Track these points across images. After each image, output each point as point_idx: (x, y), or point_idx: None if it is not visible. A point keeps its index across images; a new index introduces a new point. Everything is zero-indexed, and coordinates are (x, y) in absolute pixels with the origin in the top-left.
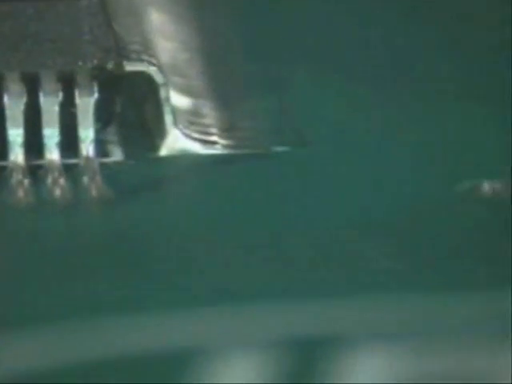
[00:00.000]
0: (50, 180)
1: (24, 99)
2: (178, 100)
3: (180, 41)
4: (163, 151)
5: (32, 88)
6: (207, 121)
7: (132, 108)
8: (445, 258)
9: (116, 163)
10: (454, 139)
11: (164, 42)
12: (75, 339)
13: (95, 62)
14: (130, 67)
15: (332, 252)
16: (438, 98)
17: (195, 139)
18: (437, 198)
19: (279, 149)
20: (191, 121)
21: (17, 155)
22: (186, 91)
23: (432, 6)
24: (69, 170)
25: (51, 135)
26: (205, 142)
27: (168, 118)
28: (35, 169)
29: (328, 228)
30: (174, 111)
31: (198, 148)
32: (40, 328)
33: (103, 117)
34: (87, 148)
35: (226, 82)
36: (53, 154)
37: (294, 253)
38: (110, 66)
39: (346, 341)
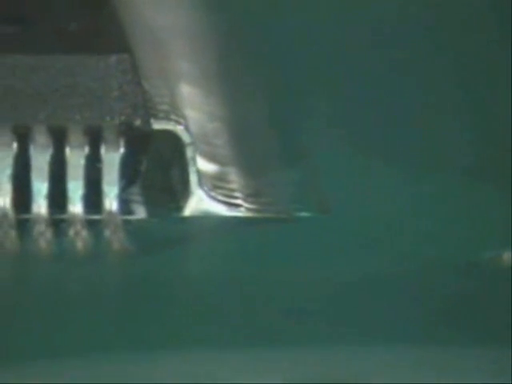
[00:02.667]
0: (72, 232)
1: (50, 151)
2: (205, 165)
3: (208, 112)
4: (187, 211)
5: (59, 141)
6: (232, 186)
7: (157, 166)
8: (460, 317)
9: (139, 221)
10: (470, 210)
11: (193, 113)
12: (95, 374)
13: (123, 118)
14: (157, 125)
15: (348, 310)
16: (456, 174)
17: (219, 201)
18: (452, 266)
19: (302, 214)
20: (216, 185)
21: (40, 207)
22: (212, 158)
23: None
24: (91, 224)
25: (75, 188)
26: (229, 205)
27: (193, 178)
28: (58, 221)
29: (345, 291)
30: (200, 173)
31: (221, 210)
32: (64, 363)
33: (128, 174)
34: (111, 203)
35: (251, 152)
36: (76, 207)
37: (309, 310)
38: (137, 123)
39: None
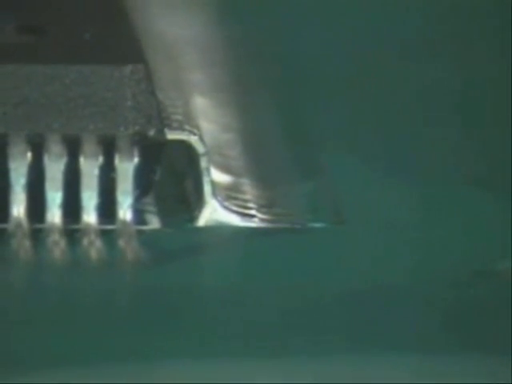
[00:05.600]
0: (86, 242)
1: (64, 161)
2: (219, 176)
3: (222, 123)
4: (201, 221)
5: (73, 150)
6: (246, 197)
7: (171, 176)
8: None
9: (153, 231)
10: (481, 221)
11: (207, 124)
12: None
13: (136, 128)
14: (171, 135)
15: (361, 320)
16: (468, 185)
17: (233, 211)
18: (462, 275)
19: (316, 225)
20: (230, 195)
21: (54, 216)
22: (226, 170)
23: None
24: (105, 234)
25: (89, 198)
26: (243, 215)
27: (207, 189)
28: (72, 231)
29: (358, 301)
30: (214, 183)
31: (235, 220)
32: (77, 372)
33: (142, 184)
34: (125, 213)
35: (265, 163)
36: (90, 217)
37: (323, 320)
38: (151, 133)
39: None
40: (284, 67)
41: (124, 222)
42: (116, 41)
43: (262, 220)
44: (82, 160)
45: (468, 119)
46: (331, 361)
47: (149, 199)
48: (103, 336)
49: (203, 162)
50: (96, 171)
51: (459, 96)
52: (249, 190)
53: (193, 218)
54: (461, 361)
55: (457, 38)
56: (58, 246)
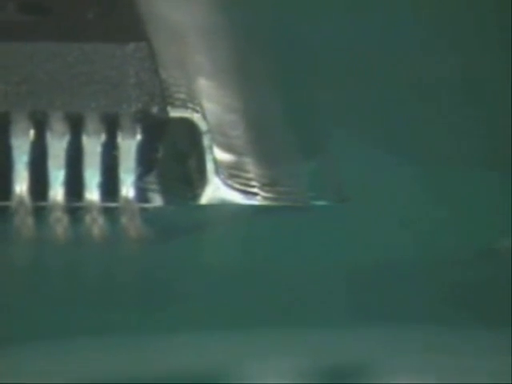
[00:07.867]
0: (88, 219)
1: (67, 138)
2: (221, 155)
3: (225, 104)
4: (203, 199)
5: (75, 128)
6: (249, 175)
7: (174, 154)
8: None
9: (156, 208)
10: (486, 198)
11: (209, 104)
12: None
13: (139, 105)
14: (174, 113)
15: (364, 297)
16: (473, 162)
17: (236, 189)
18: (468, 254)
19: (318, 203)
20: (233, 174)
21: (56, 194)
22: (229, 149)
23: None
24: (108, 212)
25: (92, 176)
26: (245, 193)
27: (210, 167)
28: (75, 208)
29: (361, 278)
30: (217, 162)
31: (238, 198)
32: (80, 346)
33: (145, 161)
34: (127, 191)
35: (268, 142)
36: (93, 195)
37: (325, 298)
38: (154, 110)
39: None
40: (286, 49)
41: (126, 200)
42: (119, 19)
43: (265, 198)
44: (84, 138)
45: (470, 100)
46: (335, 335)
47: (151, 177)
48: (106, 313)
49: (206, 140)
50: (98, 149)
51: (461, 77)
52: (251, 169)
53: (195, 195)
54: (463, 334)
55: (458, 26)
56: (60, 224)
